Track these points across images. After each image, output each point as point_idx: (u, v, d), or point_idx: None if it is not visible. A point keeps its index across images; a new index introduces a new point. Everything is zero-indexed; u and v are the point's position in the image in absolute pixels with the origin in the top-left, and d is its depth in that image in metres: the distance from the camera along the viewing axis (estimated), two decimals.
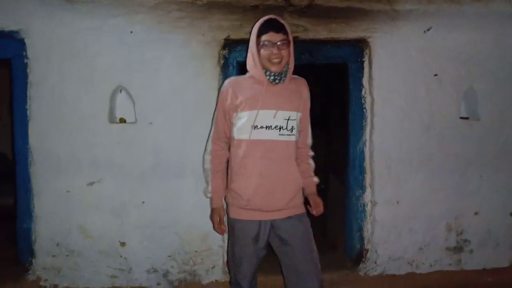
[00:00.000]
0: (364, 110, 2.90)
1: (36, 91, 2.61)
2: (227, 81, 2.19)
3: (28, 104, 2.64)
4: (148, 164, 2.71)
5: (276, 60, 2.03)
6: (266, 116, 2.04)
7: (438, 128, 2.91)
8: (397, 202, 2.91)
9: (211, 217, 2.24)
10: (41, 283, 2.70)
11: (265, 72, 2.06)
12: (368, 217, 2.94)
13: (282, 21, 2.07)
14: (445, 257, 2.98)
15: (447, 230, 2.97)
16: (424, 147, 2.90)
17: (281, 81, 2.08)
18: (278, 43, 2.01)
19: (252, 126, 2.04)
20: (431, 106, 2.89)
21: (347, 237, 3.04)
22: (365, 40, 2.83)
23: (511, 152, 2.98)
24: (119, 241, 2.73)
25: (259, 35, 2.05)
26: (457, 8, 2.71)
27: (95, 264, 2.72)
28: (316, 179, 2.31)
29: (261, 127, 2.04)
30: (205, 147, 2.24)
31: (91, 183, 2.68)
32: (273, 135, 2.05)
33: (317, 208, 2.24)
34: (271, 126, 2.05)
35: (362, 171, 2.93)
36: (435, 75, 2.89)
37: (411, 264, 2.96)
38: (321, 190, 3.96)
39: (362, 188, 2.94)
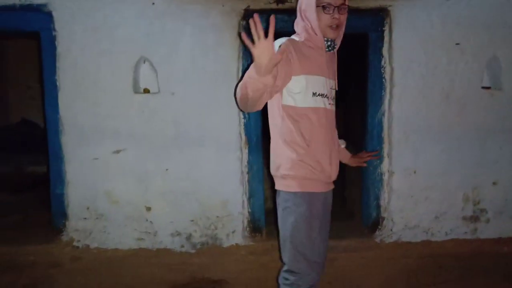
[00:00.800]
0: (384, 80, 2.90)
1: (63, 63, 2.72)
2: (285, 40, 1.92)
3: (57, 75, 2.76)
4: (170, 133, 2.81)
5: (335, 26, 1.91)
6: (323, 84, 1.96)
7: (458, 98, 2.89)
8: (414, 172, 2.94)
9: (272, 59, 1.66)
10: (74, 243, 2.89)
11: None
12: (385, 186, 2.99)
13: None
14: (461, 225, 3.02)
15: (464, 200, 3.00)
16: (444, 117, 2.90)
17: (334, 49, 2.01)
18: (340, 6, 1.90)
19: (313, 93, 1.93)
20: (452, 75, 2.87)
21: (364, 206, 3.11)
22: (386, 8, 2.80)
23: None
24: (145, 206, 2.87)
25: None
26: None
27: (123, 227, 2.88)
28: (342, 144, 2.28)
29: (320, 94, 1.94)
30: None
31: (117, 151, 2.81)
32: (326, 103, 1.97)
33: (364, 156, 2.34)
34: (323, 94, 1.96)
35: (380, 141, 2.96)
36: (457, 43, 2.85)
37: (426, 232, 3.01)
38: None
39: (380, 157, 2.97)
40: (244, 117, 2.84)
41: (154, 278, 2.89)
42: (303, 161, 1.92)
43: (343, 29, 1.98)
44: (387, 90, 2.90)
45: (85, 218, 2.86)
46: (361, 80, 3.05)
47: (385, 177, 2.98)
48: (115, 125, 2.81)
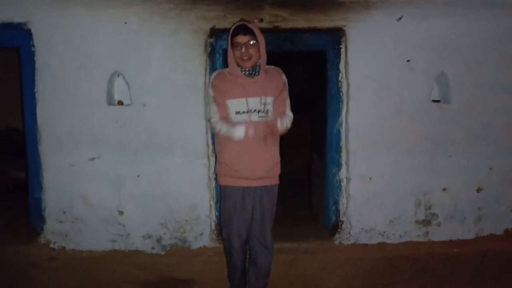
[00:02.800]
0: (341, 94, 3.13)
1: (41, 76, 2.93)
2: (214, 74, 2.59)
3: (36, 87, 2.96)
4: (142, 142, 3.02)
5: (245, 58, 2.42)
6: (244, 103, 2.45)
7: (409, 111, 3.13)
8: (370, 179, 3.17)
9: (246, 132, 2.48)
10: (51, 245, 3.08)
11: (241, 69, 2.46)
12: (344, 192, 3.21)
13: (250, 26, 2.42)
14: (414, 229, 3.24)
15: (417, 205, 3.23)
16: (396, 128, 3.13)
17: (255, 75, 2.49)
18: (246, 43, 2.39)
19: (236, 111, 2.47)
20: (403, 90, 3.10)
21: (325, 210, 3.33)
22: (342, 28, 3.04)
23: (479, 134, 3.19)
24: (117, 209, 3.07)
25: (231, 38, 2.43)
26: None
27: (97, 230, 3.08)
28: (279, 122, 2.59)
29: (243, 112, 2.46)
30: (208, 120, 2.63)
31: (92, 158, 3.02)
32: (251, 117, 2.48)
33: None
34: (251, 110, 2.47)
35: (338, 150, 3.19)
36: (408, 60, 3.09)
37: (382, 235, 3.23)
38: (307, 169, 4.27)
39: (338, 165, 3.20)
40: None
41: (127, 277, 3.07)
42: (221, 162, 2.57)
43: (259, 57, 2.46)
44: (344, 103, 3.13)
45: (61, 221, 3.05)
46: (323, 93, 3.28)
47: (343, 184, 3.20)
48: (90, 134, 3.01)
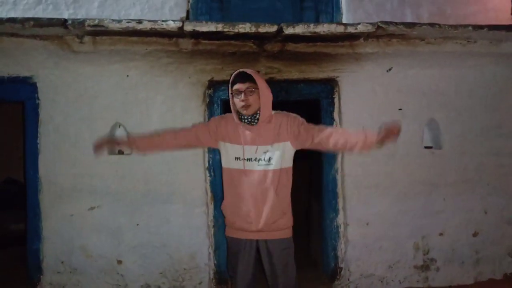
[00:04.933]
0: None
1: (44, 128, 3.01)
2: (219, 116, 2.62)
3: (38, 139, 3.04)
4: (141, 191, 3.07)
5: (244, 105, 2.33)
6: (248, 150, 2.38)
7: (402, 156, 3.22)
8: (367, 224, 3.21)
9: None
10: None
11: (241, 116, 2.39)
12: (342, 237, 3.23)
13: (250, 72, 2.36)
14: (413, 274, 3.24)
15: (415, 249, 3.25)
16: (391, 173, 3.21)
17: (255, 123, 2.38)
18: (245, 91, 2.32)
19: (236, 157, 2.41)
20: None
21: (323, 256, 3.33)
22: (334, 79, 3.18)
23: (471, 177, 3.27)
24: (116, 259, 3.07)
25: (231, 86, 2.40)
26: (413, 50, 3.04)
27: (95, 280, 3.05)
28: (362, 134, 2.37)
29: (243, 159, 2.38)
30: None
31: (92, 208, 3.05)
32: (253, 165, 2.38)
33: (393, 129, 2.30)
34: (251, 159, 2.38)
35: (335, 196, 3.24)
36: (400, 109, 3.22)
37: (381, 281, 3.22)
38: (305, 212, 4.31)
39: (336, 211, 3.24)
40: (210, 175, 3.12)
41: None
42: (223, 210, 2.53)
43: (259, 105, 2.36)
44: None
45: (59, 272, 3.03)
46: None
47: (341, 229, 3.23)
48: (91, 184, 3.05)
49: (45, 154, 3.03)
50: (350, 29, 2.69)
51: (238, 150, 2.41)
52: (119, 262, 3.07)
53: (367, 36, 2.86)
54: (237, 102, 2.36)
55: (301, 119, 2.46)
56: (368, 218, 3.21)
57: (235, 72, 2.40)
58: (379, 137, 2.32)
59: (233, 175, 2.42)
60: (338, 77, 3.17)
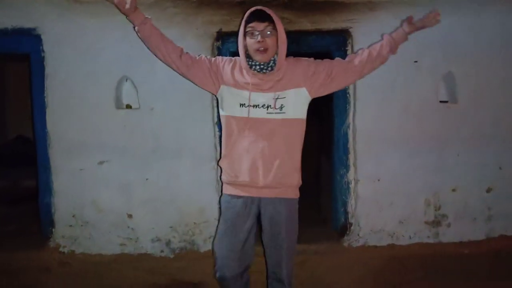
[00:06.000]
0: (348, 95, 3.13)
1: (50, 82, 2.97)
2: (227, 57, 2.37)
3: (45, 93, 3.00)
4: (150, 146, 3.04)
5: (261, 49, 2.09)
6: (256, 96, 2.17)
7: (416, 111, 3.11)
8: (378, 180, 3.16)
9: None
10: (60, 249, 3.09)
11: (251, 62, 2.15)
12: (352, 193, 3.20)
13: (269, 11, 2.13)
14: (424, 230, 3.22)
15: (426, 205, 3.20)
16: (403, 128, 3.12)
17: (267, 71, 2.14)
18: (263, 31, 2.09)
19: (240, 104, 2.20)
20: (410, 90, 3.09)
21: (333, 212, 3.32)
22: (347, 30, 3.05)
23: (487, 132, 3.17)
24: (127, 213, 3.09)
25: (246, 24, 2.13)
26: None
27: (106, 234, 3.09)
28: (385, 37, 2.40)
29: (249, 105, 2.17)
30: None
31: (101, 162, 3.04)
32: (261, 113, 2.17)
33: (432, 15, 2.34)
34: (258, 105, 2.17)
35: (346, 151, 3.18)
36: (415, 61, 3.09)
37: (391, 236, 3.21)
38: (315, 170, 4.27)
39: (346, 167, 3.19)
40: (219, 130, 3.08)
41: (137, 281, 3.09)
42: (222, 166, 2.30)
43: (276, 50, 2.14)
44: (351, 104, 3.13)
45: (71, 226, 3.07)
46: (330, 95, 3.29)
47: (352, 185, 3.19)
48: (99, 139, 3.03)
49: (52, 108, 3.00)
50: None
51: (244, 95, 2.19)
52: (130, 216, 3.09)
53: None
54: (252, 43, 2.11)
55: (312, 59, 2.32)
56: (379, 174, 3.16)
57: (252, 9, 2.15)
58: (420, 22, 2.34)
59: (237, 124, 2.21)
60: (351, 27, 3.04)
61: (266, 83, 2.18)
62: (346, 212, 3.23)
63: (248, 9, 2.88)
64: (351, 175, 3.19)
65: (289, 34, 2.98)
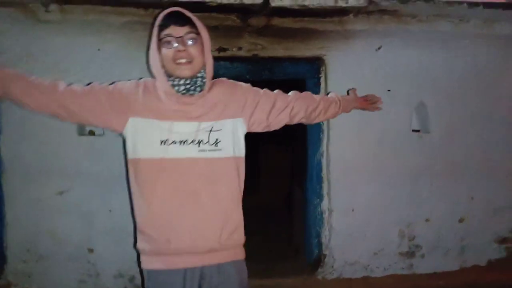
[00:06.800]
0: (321, 123, 3.08)
1: (7, 105, 2.76)
2: (132, 81, 1.75)
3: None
4: (115, 173, 2.86)
5: (183, 60, 1.57)
6: (180, 129, 1.61)
7: (390, 141, 3.09)
8: (352, 210, 3.09)
9: None
10: (12, 287, 2.83)
11: (172, 81, 1.60)
12: (326, 224, 3.11)
13: (189, 14, 1.63)
14: (398, 261, 3.16)
15: (400, 236, 3.15)
16: (377, 158, 3.09)
17: (196, 91, 1.61)
18: (183, 38, 1.57)
19: (161, 141, 1.60)
20: (384, 120, 3.07)
21: (306, 243, 3.22)
22: (321, 57, 3.02)
23: (459, 163, 3.18)
24: (87, 247, 2.87)
25: (159, 31, 1.59)
26: (404, 28, 2.89)
27: (64, 268, 2.85)
28: (332, 95, 2.09)
29: (173, 142, 1.60)
30: None
31: (61, 192, 2.83)
32: (191, 151, 1.61)
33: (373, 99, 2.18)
34: (186, 141, 1.61)
35: (320, 181, 3.11)
36: (388, 90, 3.08)
37: (366, 268, 3.13)
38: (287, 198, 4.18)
39: (320, 196, 3.11)
40: None
41: None
42: (142, 231, 1.65)
43: (202, 62, 1.61)
44: (325, 132, 3.07)
45: (25, 261, 2.82)
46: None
47: (326, 216, 3.11)
48: (60, 165, 2.83)
49: (7, 132, 2.78)
50: (341, 3, 2.51)
51: (164, 127, 1.60)
52: (90, 250, 2.87)
53: (357, 11, 2.70)
54: (170, 54, 1.56)
55: (248, 87, 1.80)
56: (354, 205, 3.09)
57: (165, 11, 1.62)
58: (364, 99, 2.18)
59: (158, 170, 1.59)
60: (325, 55, 3.01)
61: (196, 109, 1.63)
62: (320, 244, 3.12)
63: (221, 35, 2.81)
64: (325, 205, 3.11)
65: (262, 60, 2.97)
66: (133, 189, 1.69)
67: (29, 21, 2.65)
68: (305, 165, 3.19)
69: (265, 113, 1.79)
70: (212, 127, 1.65)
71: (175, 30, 1.57)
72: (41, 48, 2.76)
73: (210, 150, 1.63)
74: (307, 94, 1.99)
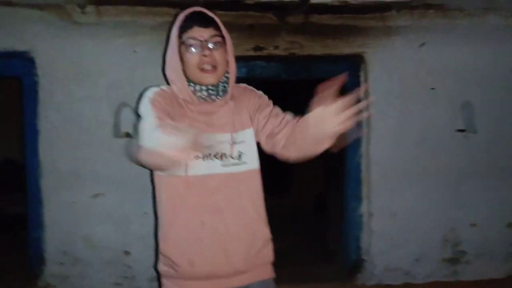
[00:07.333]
0: (361, 124, 2.96)
1: (44, 108, 2.76)
2: (153, 91, 1.52)
3: (38, 119, 2.78)
4: (148, 177, 2.82)
5: (209, 67, 1.44)
6: (208, 141, 1.45)
7: (433, 141, 2.95)
8: (393, 214, 2.97)
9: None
10: None
11: (194, 87, 1.47)
12: (365, 228, 3.00)
13: (212, 14, 1.50)
14: (442, 268, 3.02)
15: (444, 241, 3.01)
16: (420, 159, 2.95)
17: (218, 96, 1.49)
18: (209, 42, 1.44)
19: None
20: (426, 119, 2.94)
21: (344, 248, 3.11)
22: (361, 55, 2.90)
23: (507, 164, 3.01)
24: (123, 250, 2.85)
25: (181, 32, 1.46)
26: (450, 23, 2.75)
27: (100, 272, 2.84)
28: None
29: (197, 156, 1.41)
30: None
31: (95, 195, 2.81)
32: (214, 166, 1.47)
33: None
34: (209, 155, 1.46)
35: (359, 183, 3.00)
36: (432, 88, 2.94)
37: (407, 275, 3.00)
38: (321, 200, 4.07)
39: (359, 199, 3.00)
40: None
41: None
42: (163, 253, 1.50)
43: (226, 68, 1.49)
44: (365, 133, 2.96)
45: (62, 263, 2.82)
46: None
47: (365, 219, 3.00)
48: (94, 169, 2.81)
49: (45, 136, 2.78)
50: None
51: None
52: (126, 253, 2.85)
53: (400, 6, 2.57)
54: (194, 59, 1.44)
55: (264, 96, 1.61)
56: (394, 208, 2.97)
57: (187, 11, 1.49)
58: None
59: (179, 187, 1.46)
60: (365, 52, 2.88)
61: (218, 119, 1.50)
62: (358, 248, 3.02)
63: (257, 34, 2.72)
64: (364, 208, 3.00)
65: (299, 59, 2.87)
66: (158, 209, 1.55)
67: (64, 24, 2.64)
68: (342, 166, 3.08)
69: (265, 115, 1.55)
70: (235, 139, 1.50)
71: (199, 32, 1.43)
72: (75, 51, 2.75)
73: (233, 165, 1.49)
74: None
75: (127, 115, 2.86)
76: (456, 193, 3.00)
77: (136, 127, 1.51)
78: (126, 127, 2.88)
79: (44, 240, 2.83)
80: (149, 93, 1.50)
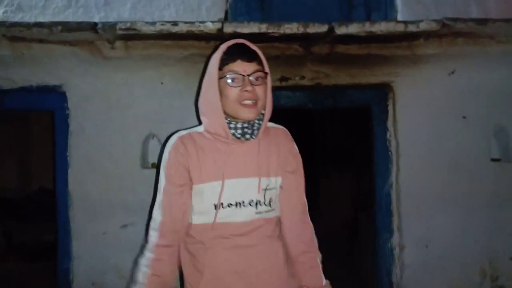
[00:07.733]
0: (390, 153, 2.90)
1: (75, 140, 2.82)
2: (176, 136, 1.51)
3: (68, 151, 2.85)
4: None
5: (250, 102, 1.39)
6: (235, 188, 1.42)
7: (467, 169, 2.85)
8: (426, 246, 2.85)
9: None
10: None
11: (229, 122, 1.43)
12: (397, 261, 2.89)
13: (255, 48, 1.49)
14: None
15: (481, 275, 2.87)
16: (452, 187, 2.85)
17: (253, 135, 1.44)
18: (251, 77, 1.41)
19: (215, 204, 1.42)
20: (459, 146, 2.85)
21: (376, 281, 3.00)
22: (388, 84, 2.85)
23: None
24: None
25: (222, 64, 1.43)
26: (480, 49, 2.68)
27: None
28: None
29: (230, 204, 1.41)
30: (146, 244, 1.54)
31: (124, 226, 2.83)
32: (248, 214, 1.44)
33: None
34: (243, 202, 1.43)
35: (389, 214, 2.90)
36: (464, 117, 2.85)
37: None
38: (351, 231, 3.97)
39: (390, 231, 2.91)
40: None
41: None
42: None
43: (264, 104, 1.45)
44: (394, 162, 2.89)
45: None
46: (368, 146, 3.04)
47: (396, 252, 2.89)
48: (124, 199, 2.84)
49: (75, 167, 2.84)
50: (412, 28, 2.36)
51: (216, 190, 1.41)
52: None
53: (428, 35, 2.52)
54: (234, 93, 1.39)
55: (298, 153, 1.58)
56: (427, 239, 2.86)
57: (230, 42, 1.47)
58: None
59: (209, 237, 1.45)
60: (392, 81, 2.84)
61: (250, 160, 1.44)
62: (390, 282, 2.90)
63: (282, 64, 2.72)
64: (395, 240, 2.90)
65: (325, 88, 2.86)
66: (182, 255, 1.51)
67: (94, 59, 2.71)
68: (373, 194, 3.00)
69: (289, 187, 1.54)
70: (267, 185, 1.46)
71: (242, 66, 1.40)
72: (105, 84, 2.82)
73: (266, 212, 1.46)
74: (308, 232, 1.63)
75: (154, 146, 2.90)
76: (493, 223, 2.87)
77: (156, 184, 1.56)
78: (153, 157, 2.92)
79: (72, 270, 2.85)
80: (166, 152, 1.50)
